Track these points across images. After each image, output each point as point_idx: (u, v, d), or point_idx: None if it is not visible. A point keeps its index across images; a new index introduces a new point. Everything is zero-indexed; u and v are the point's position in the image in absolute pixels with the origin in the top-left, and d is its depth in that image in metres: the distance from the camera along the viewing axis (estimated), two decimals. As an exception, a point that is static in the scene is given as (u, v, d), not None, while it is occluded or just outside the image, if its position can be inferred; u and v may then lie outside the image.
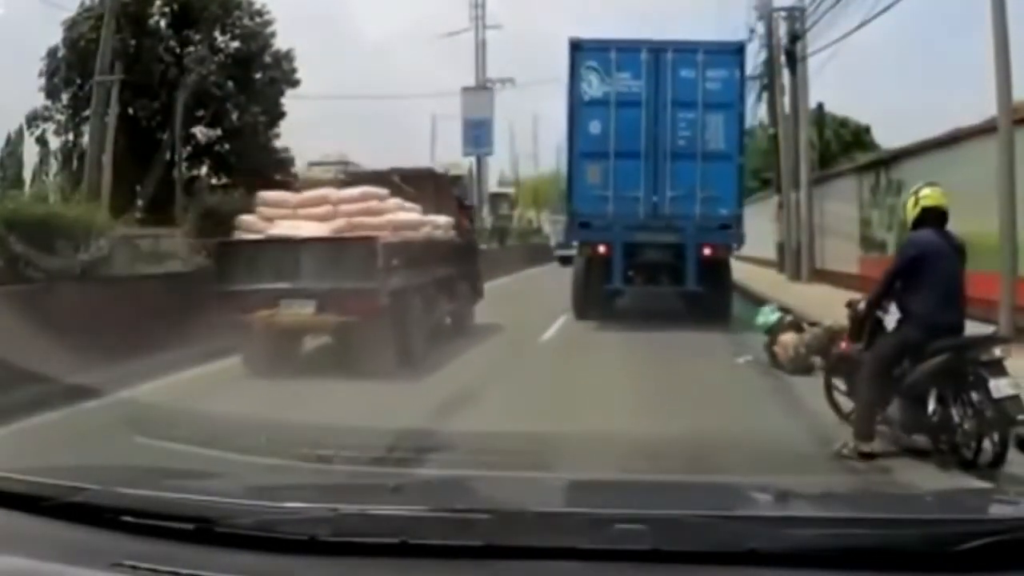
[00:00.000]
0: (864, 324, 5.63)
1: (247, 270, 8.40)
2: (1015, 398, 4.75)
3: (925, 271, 5.18)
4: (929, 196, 5.45)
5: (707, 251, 12.01)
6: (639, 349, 10.20)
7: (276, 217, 9.15)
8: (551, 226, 36.19)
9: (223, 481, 2.08)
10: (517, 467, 3.47)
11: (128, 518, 1.53)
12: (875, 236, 15.65)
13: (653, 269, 12.54)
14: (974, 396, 4.88)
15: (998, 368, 4.88)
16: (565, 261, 18.16)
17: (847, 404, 5.77)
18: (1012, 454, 4.82)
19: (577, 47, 12.58)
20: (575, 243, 13.48)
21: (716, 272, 12.19)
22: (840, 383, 5.93)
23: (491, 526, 1.46)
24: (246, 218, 9.32)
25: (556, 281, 17.60)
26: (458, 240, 11.53)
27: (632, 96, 12.23)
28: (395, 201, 9.60)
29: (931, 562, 1.37)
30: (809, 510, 1.78)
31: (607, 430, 5.50)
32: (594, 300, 12.81)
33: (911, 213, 5.44)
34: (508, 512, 1.58)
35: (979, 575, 1.35)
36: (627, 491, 2.17)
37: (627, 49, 12.46)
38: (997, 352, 5.03)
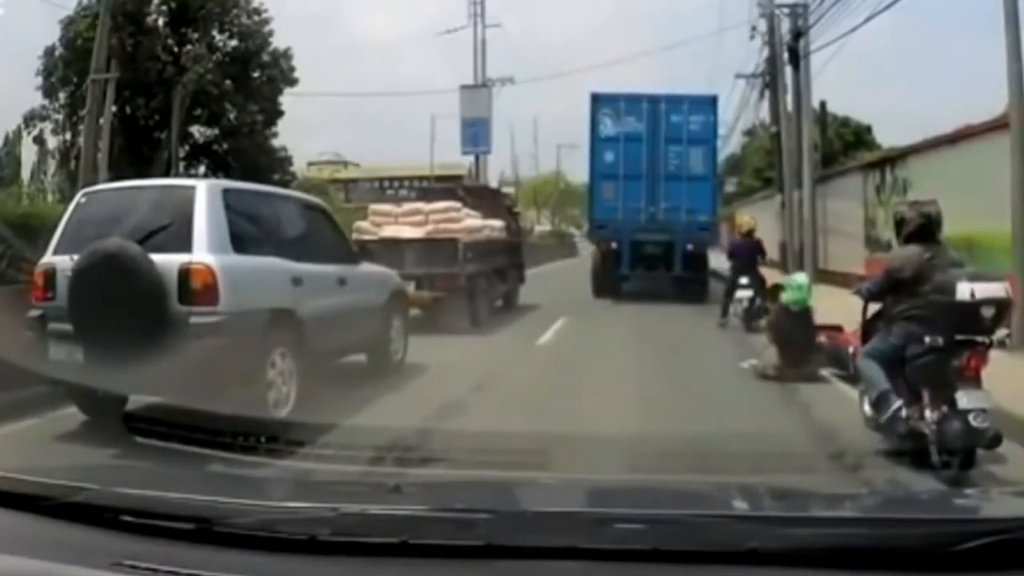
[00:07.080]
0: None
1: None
2: None
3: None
4: None
5: (690, 247, 16.20)
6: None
7: (384, 224, 12.53)
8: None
9: (223, 481, 2.08)
10: (517, 467, 3.46)
11: (128, 518, 1.52)
12: (880, 236, 15.23)
13: (650, 260, 16.55)
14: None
15: None
16: None
17: None
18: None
19: (596, 99, 16.87)
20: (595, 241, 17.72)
21: (697, 262, 16.44)
22: None
23: (491, 526, 1.45)
24: (362, 224, 12.68)
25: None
26: (508, 238, 14.77)
27: (636, 134, 16.43)
28: (467, 211, 12.97)
29: (931, 562, 1.37)
30: (809, 510, 1.78)
31: (607, 430, 5.51)
32: (607, 283, 16.62)
33: None
34: (508, 512, 1.58)
35: (979, 575, 1.35)
36: (627, 491, 2.17)
37: (632, 100, 16.73)
38: None
